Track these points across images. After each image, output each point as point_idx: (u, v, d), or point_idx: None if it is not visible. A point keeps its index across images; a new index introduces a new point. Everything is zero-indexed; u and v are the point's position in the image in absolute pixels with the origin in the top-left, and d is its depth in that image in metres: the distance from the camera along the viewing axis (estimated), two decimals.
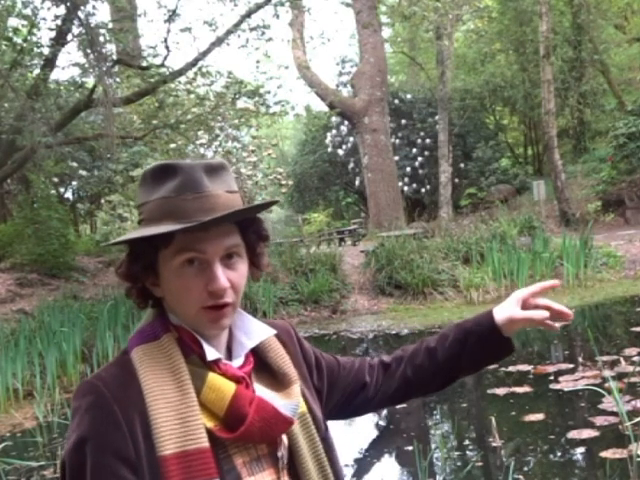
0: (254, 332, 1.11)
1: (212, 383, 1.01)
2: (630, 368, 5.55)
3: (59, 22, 10.83)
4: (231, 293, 1.02)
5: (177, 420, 0.96)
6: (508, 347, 1.29)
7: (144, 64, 12.19)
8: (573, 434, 4.59)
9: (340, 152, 22.86)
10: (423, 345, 1.29)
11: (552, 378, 5.95)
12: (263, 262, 1.12)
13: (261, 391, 1.06)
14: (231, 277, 1.02)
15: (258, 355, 1.11)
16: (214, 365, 1.03)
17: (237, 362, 1.07)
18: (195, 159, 1.07)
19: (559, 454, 4.51)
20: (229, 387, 1.01)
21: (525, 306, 1.25)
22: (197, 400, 0.99)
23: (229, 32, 12.07)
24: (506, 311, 1.24)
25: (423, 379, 1.28)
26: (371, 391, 1.27)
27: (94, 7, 10.98)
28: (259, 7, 12.27)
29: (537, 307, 1.24)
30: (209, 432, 0.98)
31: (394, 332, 9.38)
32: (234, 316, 1.07)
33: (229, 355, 1.09)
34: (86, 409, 0.97)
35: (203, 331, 1.04)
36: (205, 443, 0.96)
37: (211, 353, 1.03)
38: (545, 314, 1.23)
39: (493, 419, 4.56)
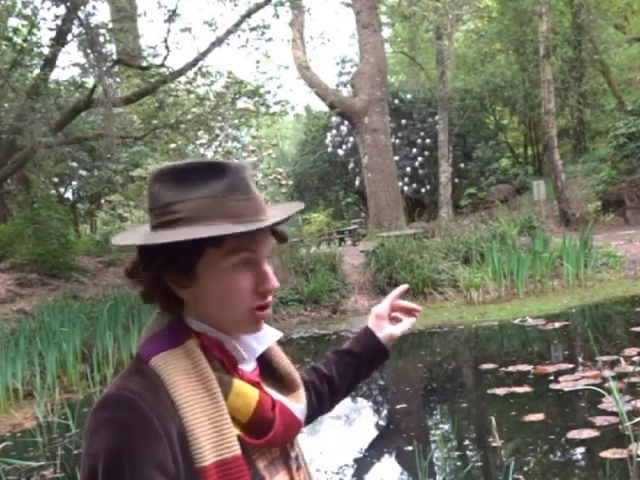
0: (263, 336, 1.09)
1: (239, 389, 1.00)
2: (630, 368, 5.55)
3: (59, 22, 10.83)
4: (272, 293, 1.04)
5: (213, 429, 0.95)
6: (387, 357, 1.38)
7: (144, 64, 12.19)
8: (573, 434, 4.59)
9: (340, 152, 22.87)
10: (320, 374, 1.33)
11: (552, 378, 5.95)
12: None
13: (275, 395, 1.06)
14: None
15: (263, 359, 1.10)
16: (233, 371, 1.02)
17: (249, 367, 1.06)
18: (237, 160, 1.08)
19: (559, 454, 4.51)
20: (254, 393, 1.01)
21: (389, 314, 1.38)
22: (226, 407, 0.98)
23: (229, 32, 12.07)
24: (387, 330, 1.35)
25: (324, 402, 1.33)
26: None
27: (94, 7, 10.99)
28: (259, 7, 12.27)
29: (394, 310, 1.39)
30: (239, 439, 0.97)
31: None
32: None
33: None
34: (123, 424, 0.92)
35: (243, 333, 1.04)
36: (239, 450, 0.96)
37: (243, 353, 1.03)
38: (413, 320, 1.39)
39: (493, 419, 4.55)
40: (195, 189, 0.98)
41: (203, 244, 0.96)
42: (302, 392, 1.12)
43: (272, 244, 1.04)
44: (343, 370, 1.33)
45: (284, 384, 1.10)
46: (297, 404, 1.09)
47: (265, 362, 1.11)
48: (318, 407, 1.31)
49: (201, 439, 0.93)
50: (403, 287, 1.43)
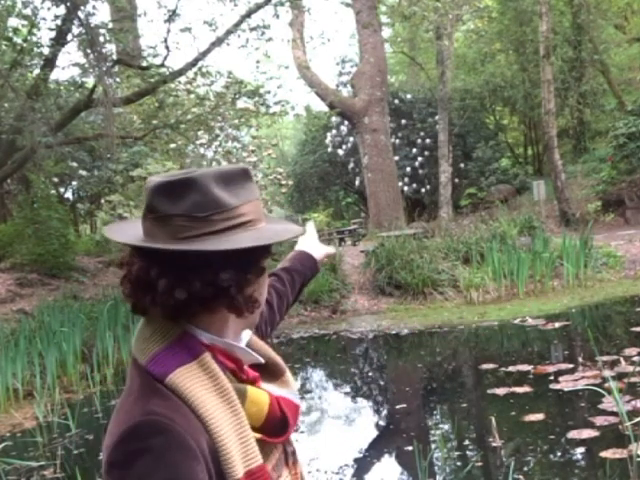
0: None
1: (252, 396, 1.02)
2: (630, 368, 5.55)
3: (59, 22, 10.83)
4: None
5: (239, 441, 0.95)
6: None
7: (144, 64, 12.19)
8: (573, 434, 4.59)
9: (340, 152, 22.86)
10: (285, 272, 1.55)
11: (552, 378, 5.95)
12: None
13: (267, 387, 1.08)
14: None
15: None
16: (241, 374, 1.04)
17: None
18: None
19: (559, 454, 4.51)
20: (264, 397, 1.03)
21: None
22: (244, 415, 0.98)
23: (229, 32, 12.07)
24: (320, 252, 1.62)
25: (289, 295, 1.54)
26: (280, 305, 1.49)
27: (94, 7, 10.99)
28: (259, 7, 12.27)
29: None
30: (259, 442, 0.98)
31: (394, 332, 9.38)
32: None
33: None
34: (162, 450, 0.88)
35: (243, 330, 1.07)
36: (261, 459, 0.97)
37: (256, 356, 1.06)
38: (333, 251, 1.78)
39: (493, 419, 4.55)
40: (246, 191, 1.01)
41: (270, 249, 1.03)
42: (288, 375, 1.13)
43: None
44: (296, 277, 1.55)
45: (270, 371, 1.11)
46: (289, 389, 1.11)
47: None
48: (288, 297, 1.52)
49: (232, 453, 0.94)
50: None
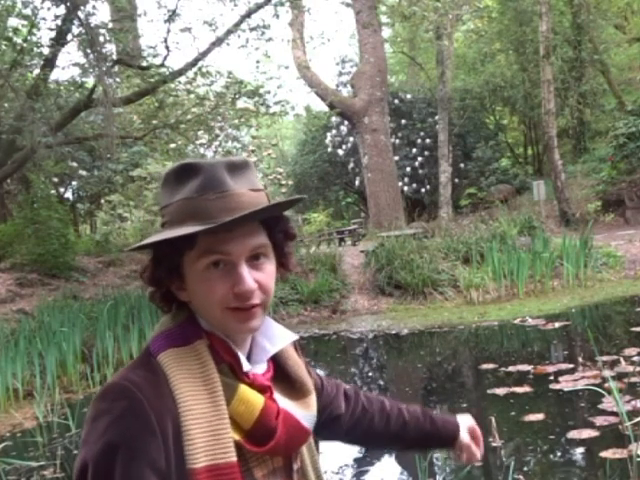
0: (277, 337, 1.08)
1: (243, 395, 0.99)
2: (630, 368, 5.55)
3: (59, 22, 10.84)
4: (259, 294, 0.99)
5: (209, 432, 0.94)
6: (443, 445, 1.40)
7: (144, 64, 12.20)
8: (573, 434, 4.59)
9: (340, 152, 22.86)
10: (399, 413, 1.34)
11: (552, 378, 5.95)
12: (291, 262, 1.09)
13: (282, 401, 1.04)
14: (258, 278, 0.99)
15: (276, 361, 1.09)
16: (242, 375, 1.01)
17: (260, 368, 1.05)
18: (214, 158, 1.04)
19: (559, 454, 4.51)
20: (258, 400, 1.00)
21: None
22: (227, 412, 0.97)
23: (229, 32, 12.08)
24: (465, 440, 1.40)
25: (380, 438, 1.35)
26: (344, 425, 1.29)
27: (94, 7, 11.00)
28: (259, 7, 12.28)
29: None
30: (236, 445, 0.96)
31: (394, 332, 9.38)
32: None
33: (249, 359, 1.06)
34: (120, 414, 0.92)
35: (232, 334, 1.02)
36: (234, 457, 0.95)
37: (246, 364, 1.01)
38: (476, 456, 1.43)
39: (493, 419, 4.55)
40: (177, 192, 1.00)
41: (180, 246, 0.98)
42: (312, 398, 1.09)
43: (258, 243, 1.00)
44: (413, 430, 1.33)
45: (294, 388, 1.08)
46: (305, 411, 1.06)
47: (279, 364, 1.09)
48: (345, 432, 1.29)
49: (196, 440, 0.93)
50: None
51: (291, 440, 1.02)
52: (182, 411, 0.94)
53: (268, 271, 1.01)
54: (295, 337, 1.12)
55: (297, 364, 1.11)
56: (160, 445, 0.91)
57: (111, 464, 0.90)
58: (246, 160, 1.03)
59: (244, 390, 0.99)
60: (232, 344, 1.02)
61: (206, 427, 0.94)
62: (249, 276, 0.98)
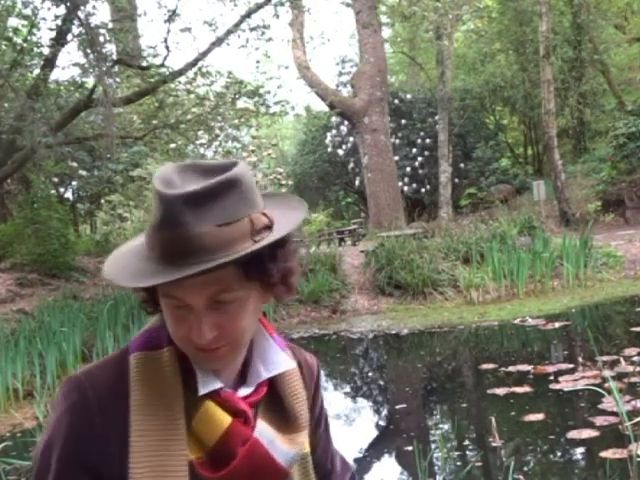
0: (274, 362, 1.00)
1: (205, 413, 0.91)
2: (630, 368, 5.55)
3: (59, 22, 10.83)
4: (223, 338, 0.89)
5: (159, 448, 0.88)
6: None
7: (144, 64, 12.19)
8: (573, 434, 4.59)
9: (340, 152, 22.87)
10: None
11: (552, 378, 5.95)
12: (287, 288, 0.96)
13: (263, 430, 0.96)
14: (222, 322, 0.89)
15: (274, 386, 1.01)
16: (215, 392, 0.93)
17: (244, 391, 0.97)
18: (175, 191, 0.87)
19: (559, 454, 4.51)
20: (223, 420, 0.91)
21: None
22: (185, 428, 0.90)
23: (229, 32, 12.08)
24: None
25: None
26: None
27: (94, 7, 11.01)
28: (259, 7, 12.28)
29: None
30: (190, 465, 0.89)
31: (394, 332, 9.38)
32: (238, 352, 0.95)
33: (242, 380, 0.99)
34: (66, 410, 0.90)
35: (199, 366, 0.94)
36: (183, 478, 0.88)
37: (205, 386, 0.92)
38: None
39: (493, 419, 4.55)
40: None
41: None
42: (302, 436, 1.00)
43: (217, 289, 0.87)
44: None
45: (285, 420, 0.99)
46: (289, 447, 0.96)
47: (276, 392, 1.01)
48: None
49: (141, 454, 0.88)
50: None
51: (255, 473, 0.93)
52: (134, 419, 0.89)
53: (235, 313, 0.89)
54: (292, 366, 1.01)
55: (295, 394, 1.01)
56: (100, 449, 0.88)
57: (47, 462, 0.89)
58: (219, 185, 0.86)
59: (209, 407, 0.92)
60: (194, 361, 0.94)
61: (156, 441, 0.88)
62: (206, 326, 0.87)
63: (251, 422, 0.95)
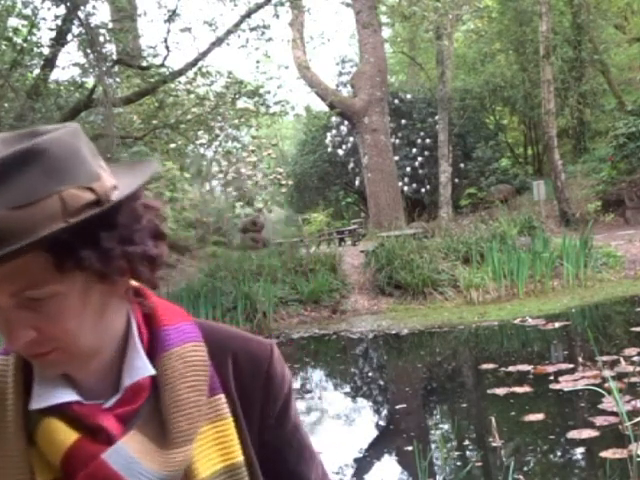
0: (135, 368, 0.82)
1: (43, 430, 0.78)
2: (630, 368, 5.55)
3: (59, 22, 10.83)
4: (47, 341, 0.74)
5: None
6: None
7: (144, 64, 12.19)
8: (573, 434, 4.59)
9: (340, 152, 22.86)
10: None
11: (552, 378, 5.95)
12: (138, 278, 0.79)
13: (121, 448, 0.78)
14: (38, 323, 0.73)
15: (159, 396, 0.83)
16: (64, 405, 0.78)
17: (110, 402, 0.81)
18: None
19: (559, 454, 4.51)
20: (65, 438, 0.77)
21: None
22: (20, 448, 0.78)
23: (229, 32, 12.07)
24: None
25: None
26: None
27: (94, 7, 10.99)
28: (259, 7, 12.27)
29: None
30: None
31: (394, 332, 9.38)
32: (74, 359, 0.78)
33: (116, 388, 0.82)
34: None
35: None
36: None
37: (42, 399, 0.78)
38: None
39: (493, 419, 4.55)
40: None
41: None
42: (182, 453, 0.79)
43: (22, 286, 0.71)
44: None
45: (164, 433, 0.80)
46: (159, 467, 0.78)
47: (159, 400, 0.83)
48: None
49: None
50: None
51: None
52: None
53: (53, 312, 0.74)
54: (149, 373, 0.82)
55: (174, 404, 0.81)
56: None
57: None
58: (13, 157, 0.72)
59: (48, 425, 0.78)
60: (36, 369, 0.80)
61: None
62: (17, 329, 0.73)
63: (114, 439, 0.78)
